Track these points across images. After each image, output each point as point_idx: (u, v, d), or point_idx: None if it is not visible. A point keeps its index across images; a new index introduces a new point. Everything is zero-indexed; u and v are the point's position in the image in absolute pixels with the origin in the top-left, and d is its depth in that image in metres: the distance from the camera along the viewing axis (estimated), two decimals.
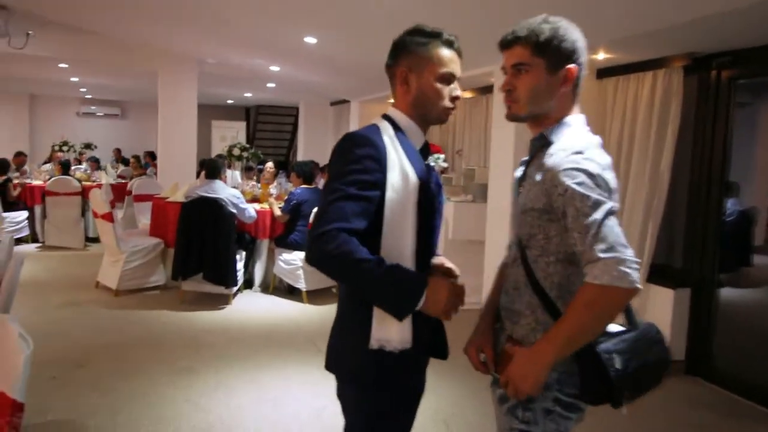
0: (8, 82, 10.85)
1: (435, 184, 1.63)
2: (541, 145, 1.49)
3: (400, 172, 1.49)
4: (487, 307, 1.67)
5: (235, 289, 5.41)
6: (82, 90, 12.16)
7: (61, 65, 8.30)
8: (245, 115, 15.34)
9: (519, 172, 1.60)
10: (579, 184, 1.33)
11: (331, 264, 1.40)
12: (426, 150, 1.66)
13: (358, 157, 1.47)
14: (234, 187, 6.30)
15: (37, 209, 8.06)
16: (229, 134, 13.51)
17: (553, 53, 1.43)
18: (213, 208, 5.14)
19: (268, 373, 3.81)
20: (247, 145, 6.87)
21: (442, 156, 5.86)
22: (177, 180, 7.18)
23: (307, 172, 5.76)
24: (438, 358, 1.68)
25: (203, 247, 5.13)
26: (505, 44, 1.49)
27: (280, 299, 5.63)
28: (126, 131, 15.01)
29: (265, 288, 5.88)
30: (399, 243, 1.49)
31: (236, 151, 6.63)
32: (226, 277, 5.20)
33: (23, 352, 1.37)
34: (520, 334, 1.49)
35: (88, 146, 13.04)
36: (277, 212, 5.67)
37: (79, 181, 8.11)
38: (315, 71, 7.27)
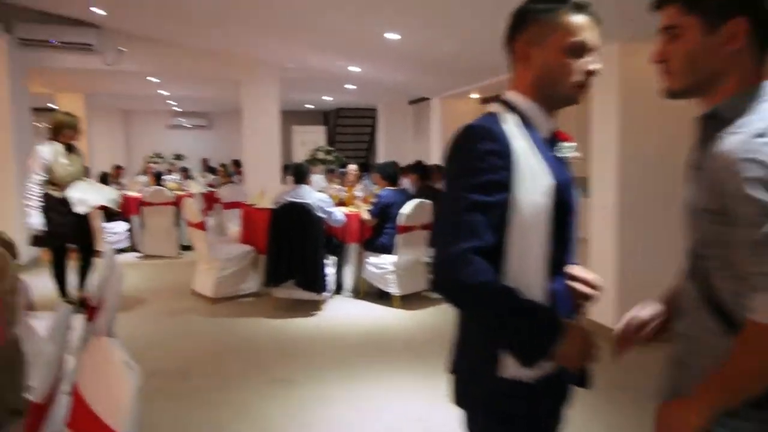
0: (104, 99, 11.45)
1: (568, 179, 1.39)
2: (713, 124, 1.16)
3: (528, 169, 1.26)
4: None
5: (326, 294, 5.33)
6: (170, 103, 12.67)
7: (150, 78, 8.61)
8: (324, 119, 15.47)
9: (690, 159, 1.30)
10: (752, 180, 1.02)
11: (464, 296, 1.21)
12: (555, 139, 1.42)
13: (481, 153, 1.24)
14: (320, 191, 6.26)
15: (135, 220, 8.40)
16: (310, 139, 13.68)
17: (707, 8, 1.13)
18: (301, 213, 5.08)
19: (366, 383, 3.66)
20: (331, 148, 6.80)
21: (574, 145, 5.50)
22: (262, 186, 7.24)
23: (391, 173, 5.59)
24: (579, 387, 1.43)
25: (293, 253, 5.08)
26: (655, 4, 1.22)
27: (372, 304, 5.50)
28: (212, 141, 15.54)
29: (356, 293, 5.76)
30: (528, 255, 1.25)
31: (320, 155, 6.58)
32: (317, 283, 5.12)
33: (130, 382, 1.25)
34: (695, 372, 1.19)
35: (178, 157, 13.60)
36: (365, 215, 5.55)
37: (172, 191, 8.38)
38: (396, 69, 7.11)
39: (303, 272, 5.10)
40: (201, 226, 5.43)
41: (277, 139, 8.04)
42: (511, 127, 1.29)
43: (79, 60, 7.36)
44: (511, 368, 1.26)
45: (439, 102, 8.70)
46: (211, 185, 11.52)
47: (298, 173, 5.33)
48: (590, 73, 1.32)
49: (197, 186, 9.29)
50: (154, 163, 10.17)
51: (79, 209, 4.91)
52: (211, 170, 14.18)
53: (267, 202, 5.91)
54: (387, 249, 5.38)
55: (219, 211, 8.30)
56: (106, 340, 1.59)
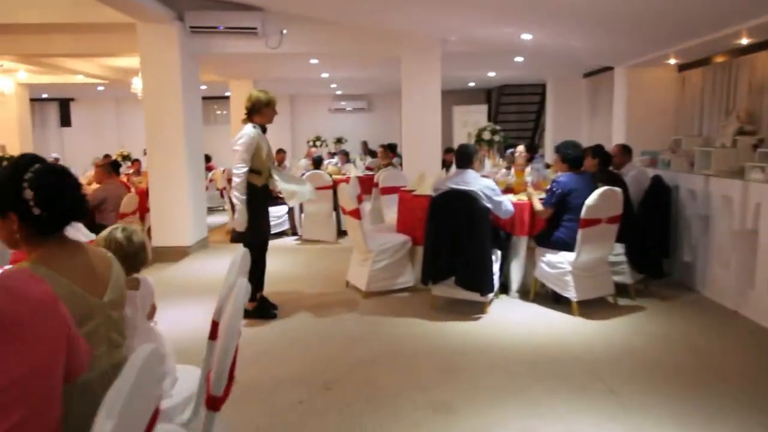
0: (270, 84, 11.74)
1: None
2: None
3: None
4: None
5: (491, 296, 4.65)
6: (332, 86, 12.71)
7: (312, 61, 8.48)
8: (486, 97, 14.59)
9: None
10: None
11: None
12: None
13: None
14: (484, 176, 5.55)
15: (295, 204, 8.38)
16: (471, 119, 12.93)
17: None
18: (465, 202, 4.43)
19: (542, 418, 2.94)
20: (497, 128, 6.04)
21: None
22: (422, 170, 6.70)
23: (574, 155, 4.70)
24: None
25: (455, 248, 4.46)
26: None
27: (544, 309, 4.70)
28: (372, 124, 15.46)
29: (524, 294, 5.00)
30: None
31: (486, 135, 5.84)
32: (482, 283, 4.46)
33: None
34: None
35: (339, 140, 13.66)
36: (538, 206, 4.74)
37: (330, 175, 8.21)
38: (576, 33, 6.11)
39: (466, 269, 4.46)
40: (355, 213, 5.02)
41: (437, 119, 7.44)
42: None
43: (243, 44, 7.36)
44: None
45: (624, 72, 7.46)
46: (369, 168, 11.35)
47: (462, 156, 4.67)
48: None
49: (355, 170, 9.06)
50: (315, 146, 10.14)
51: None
52: (371, 153, 14.09)
53: (426, 189, 5.35)
54: (565, 245, 4.54)
55: (376, 196, 7.96)
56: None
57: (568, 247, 4.52)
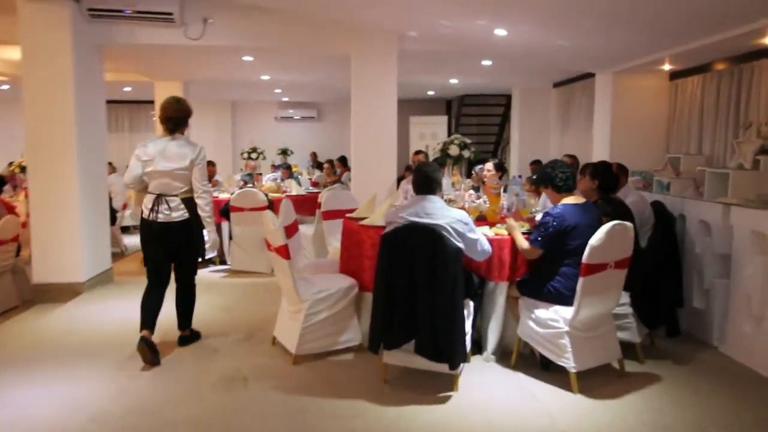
0: (205, 88, 10.36)
1: None
2: None
3: None
4: None
5: (462, 366, 3.47)
6: (276, 91, 11.41)
7: (246, 58, 7.20)
8: (446, 108, 13.57)
9: None
10: None
11: None
12: None
13: None
14: (450, 201, 4.40)
15: (224, 227, 7.06)
16: (429, 131, 11.87)
17: None
18: (428, 240, 3.24)
19: None
20: (467, 140, 4.89)
21: None
22: (374, 191, 5.52)
23: (565, 178, 3.56)
24: None
25: (415, 303, 3.28)
26: None
27: (531, 380, 3.55)
28: (322, 135, 14.23)
29: (503, 356, 3.85)
30: None
31: (453, 149, 4.66)
32: (450, 351, 3.27)
33: None
34: None
35: (284, 152, 12.35)
36: (523, 243, 3.61)
37: (267, 194, 6.94)
38: (561, 28, 5.06)
39: (429, 332, 3.27)
40: (283, 251, 3.77)
41: (393, 129, 6.28)
42: None
43: (158, 34, 6.05)
44: None
45: (609, 79, 6.48)
46: (316, 183, 10.10)
47: (423, 180, 3.49)
48: None
49: (298, 187, 7.79)
50: (250, 159, 8.83)
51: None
52: (320, 166, 12.83)
53: (378, 217, 4.16)
54: (560, 297, 3.43)
55: (320, 219, 6.74)
56: None
57: (564, 299, 3.41)
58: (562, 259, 3.46)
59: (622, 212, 3.69)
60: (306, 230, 6.61)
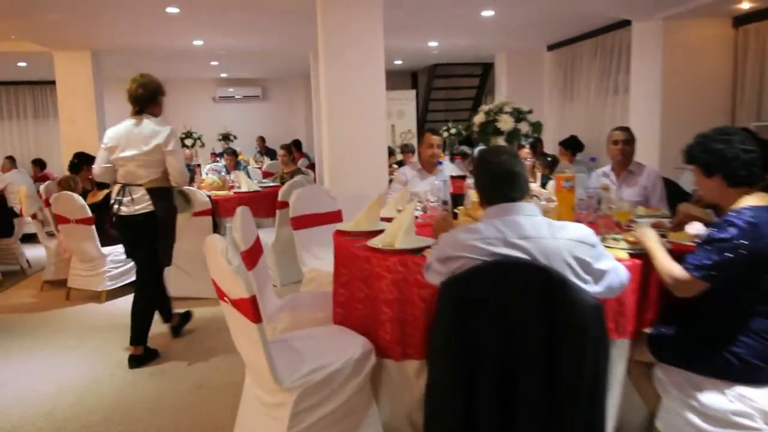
0: (122, 59, 8.33)
1: None
2: None
3: None
4: None
5: None
6: (213, 64, 9.49)
7: (170, 9, 5.33)
8: (412, 81, 11.97)
9: None
10: None
11: None
12: None
13: None
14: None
15: None
16: (395, 108, 10.27)
17: None
18: (539, 292, 1.67)
19: None
20: (524, 108, 3.26)
21: None
22: (359, 188, 3.93)
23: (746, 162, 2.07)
24: None
25: (513, 401, 1.71)
26: None
27: None
28: (269, 116, 12.42)
29: None
30: None
31: (505, 121, 2.99)
32: None
33: None
34: None
35: (225, 137, 10.49)
36: (671, 267, 2.07)
37: (209, 195, 5.19)
38: None
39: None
40: (248, 309, 2.10)
41: (381, 104, 4.61)
42: None
43: None
44: None
45: (658, 26, 4.99)
46: (267, 174, 8.36)
47: (505, 175, 1.87)
48: None
49: (249, 182, 6.02)
50: (186, 147, 7.00)
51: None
52: (269, 153, 11.04)
53: (399, 235, 2.55)
54: (747, 371, 1.95)
55: (283, 221, 5.08)
56: None
57: (757, 376, 1.93)
58: (751, 304, 1.98)
59: None
60: (264, 238, 4.92)
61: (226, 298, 2.26)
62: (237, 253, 2.15)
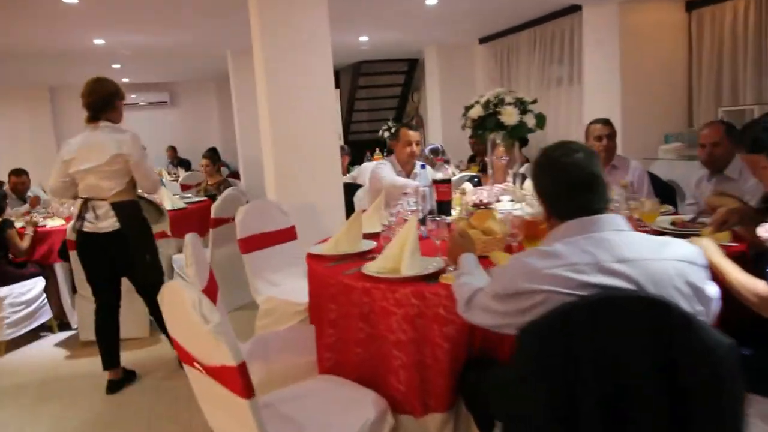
0: (14, 68, 7.22)
1: None
2: None
3: None
4: None
5: None
6: (115, 67, 8.48)
7: (67, 0, 4.49)
8: (335, 80, 11.40)
9: None
10: None
11: None
12: None
13: None
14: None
15: (59, 271, 4.44)
16: None
17: None
18: (653, 335, 1.25)
19: None
20: (526, 98, 2.81)
21: None
22: (312, 200, 3.41)
23: None
24: None
25: None
26: None
27: None
28: (179, 124, 11.47)
29: None
30: None
31: (509, 114, 2.44)
32: None
33: None
34: None
35: None
36: (753, 283, 1.73)
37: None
38: None
39: None
40: (235, 380, 1.52)
41: (332, 101, 4.08)
42: None
43: None
44: None
45: (614, 11, 4.76)
46: (186, 186, 7.55)
47: (586, 180, 1.43)
48: None
49: (171, 198, 5.24)
50: None
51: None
52: (183, 163, 10.12)
53: (411, 258, 2.06)
54: None
55: (219, 241, 4.43)
56: None
57: None
58: None
59: None
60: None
61: (196, 364, 1.67)
62: (212, 305, 1.56)
